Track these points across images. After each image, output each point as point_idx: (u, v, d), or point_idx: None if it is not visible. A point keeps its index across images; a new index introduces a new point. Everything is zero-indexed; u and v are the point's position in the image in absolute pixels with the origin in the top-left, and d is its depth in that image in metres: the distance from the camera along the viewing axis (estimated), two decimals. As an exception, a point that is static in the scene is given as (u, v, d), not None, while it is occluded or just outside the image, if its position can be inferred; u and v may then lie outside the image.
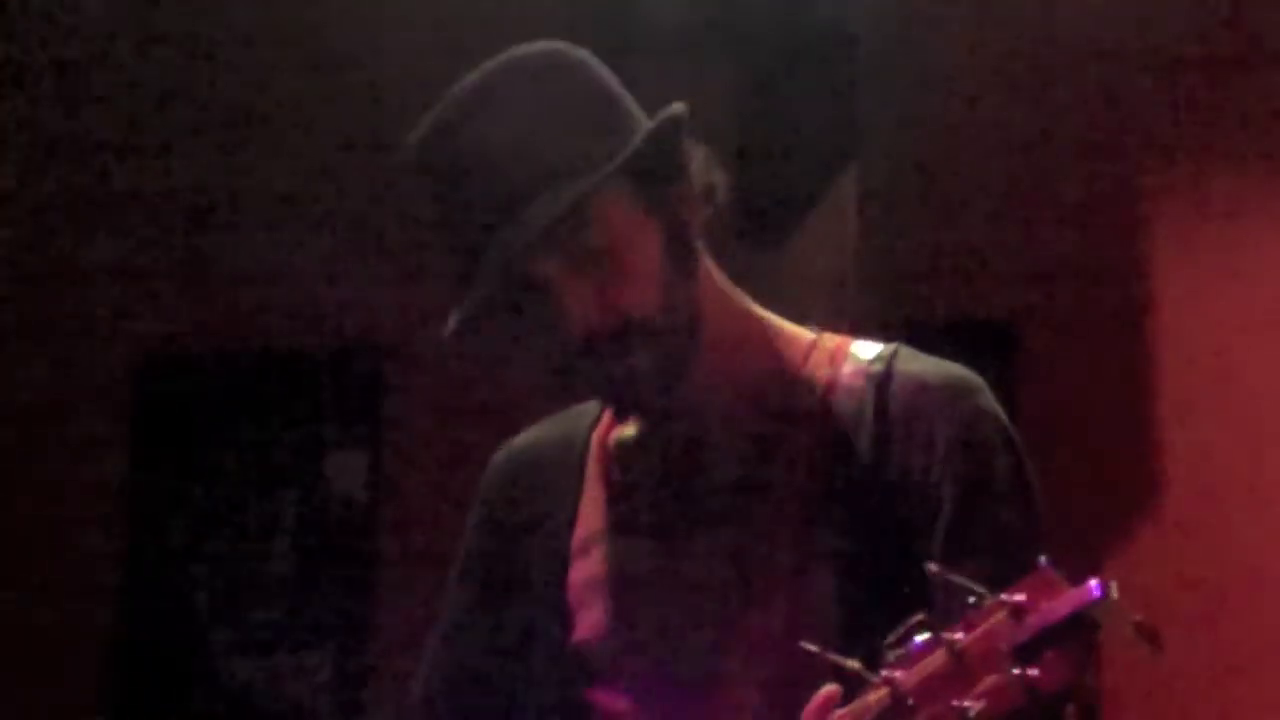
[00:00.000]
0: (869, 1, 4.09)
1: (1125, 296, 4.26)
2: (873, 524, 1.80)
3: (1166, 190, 4.31)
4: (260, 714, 4.80)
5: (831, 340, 1.92)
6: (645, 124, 1.86)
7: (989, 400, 1.86)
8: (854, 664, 1.49)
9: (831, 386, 1.88)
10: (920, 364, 1.87)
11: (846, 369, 1.88)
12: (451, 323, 1.84)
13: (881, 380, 1.85)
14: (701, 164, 1.89)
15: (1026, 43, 4.39)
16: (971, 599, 1.43)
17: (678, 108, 1.85)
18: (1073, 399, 4.17)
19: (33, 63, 5.07)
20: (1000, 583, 1.54)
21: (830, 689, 1.56)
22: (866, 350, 1.90)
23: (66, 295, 5.05)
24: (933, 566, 1.46)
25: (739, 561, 1.85)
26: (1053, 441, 4.32)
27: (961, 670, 1.41)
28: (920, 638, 1.46)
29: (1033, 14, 4.38)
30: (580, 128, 1.82)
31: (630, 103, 1.89)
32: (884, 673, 1.46)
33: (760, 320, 1.94)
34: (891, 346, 1.89)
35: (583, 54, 1.90)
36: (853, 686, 1.52)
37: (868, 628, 1.68)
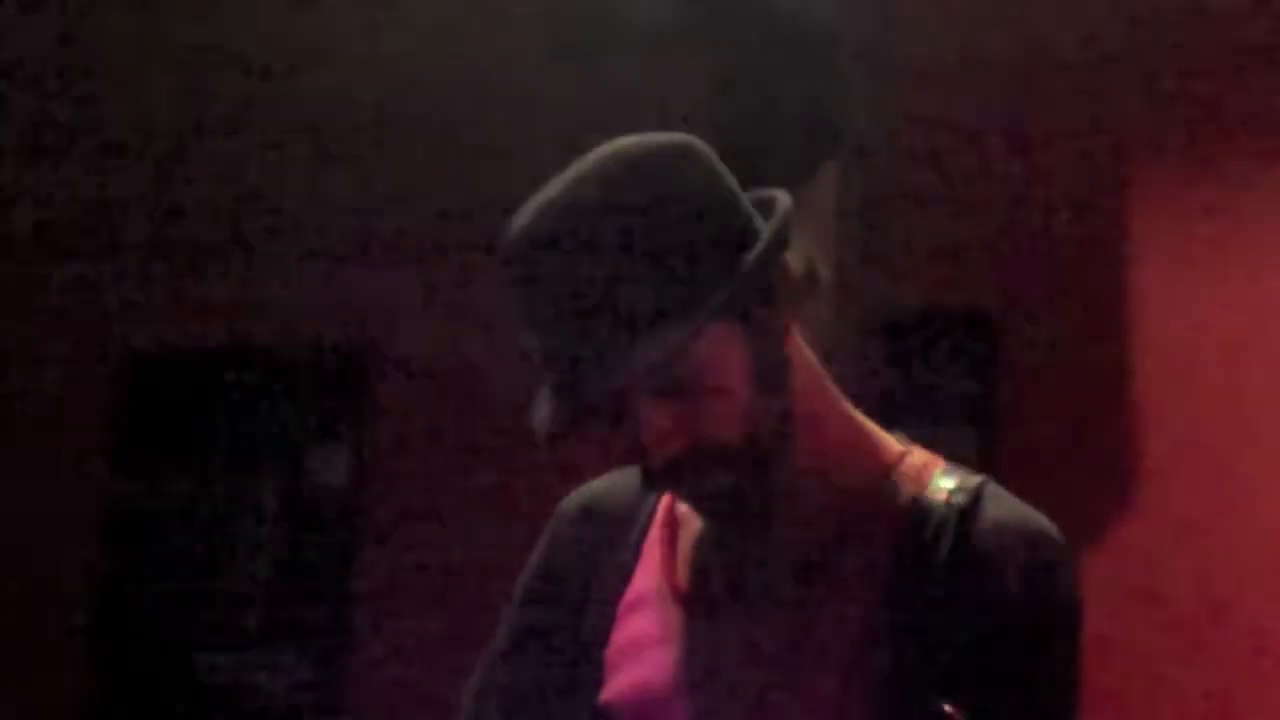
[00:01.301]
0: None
1: (1101, 285, 4.31)
2: (926, 641, 1.77)
3: (1142, 182, 4.36)
4: (245, 706, 4.84)
5: (920, 456, 1.89)
6: (756, 228, 1.78)
7: (1066, 556, 1.83)
8: None
9: (914, 504, 1.85)
10: (1006, 510, 1.84)
11: (930, 491, 1.85)
12: (544, 428, 1.77)
13: (965, 513, 1.82)
14: (801, 255, 1.86)
15: (1005, 39, 4.43)
16: None
17: (786, 208, 1.80)
18: (1049, 385, 4.22)
19: (30, 59, 5.07)
20: None
21: None
22: (951, 477, 1.86)
23: (51, 294, 5.08)
24: (947, 708, 1.49)
25: (787, 649, 1.83)
26: (1030, 426, 4.39)
27: None
28: None
29: (1012, 11, 4.42)
30: (690, 248, 1.73)
31: (739, 199, 1.80)
32: None
33: (851, 424, 1.91)
34: (978, 479, 1.85)
35: (696, 148, 1.80)
36: None
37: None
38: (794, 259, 1.80)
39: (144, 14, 4.97)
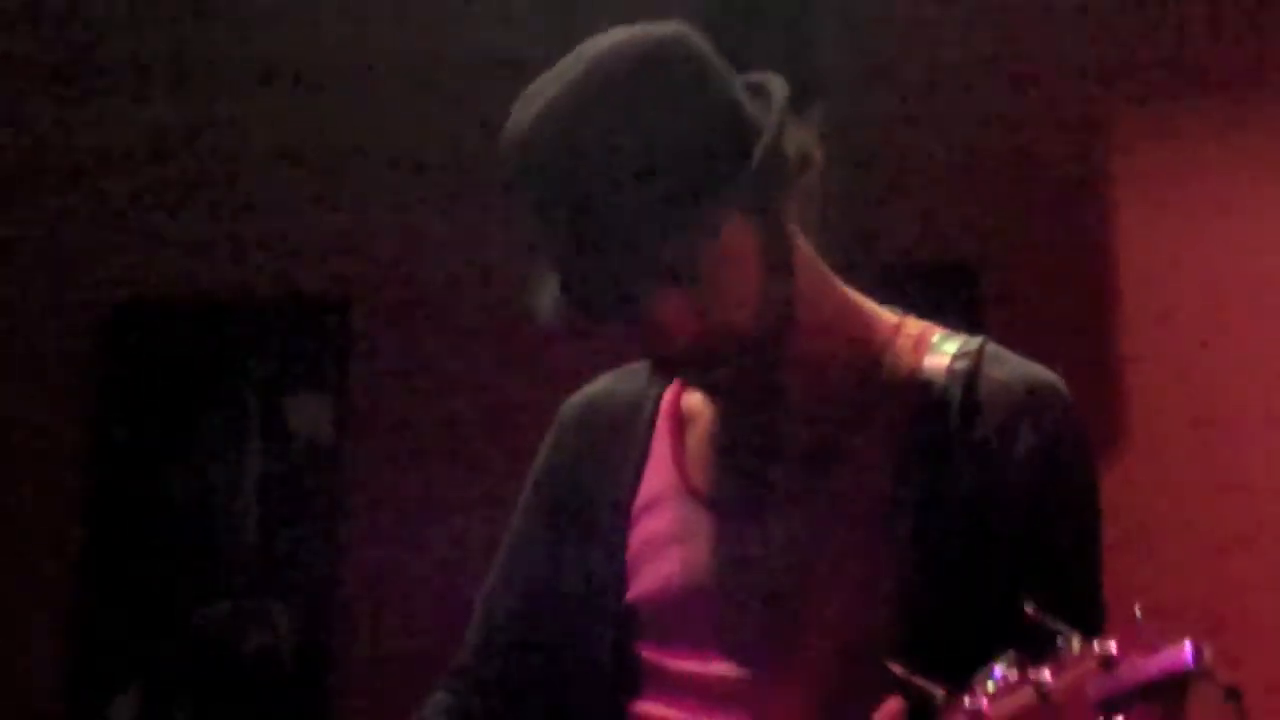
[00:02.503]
0: None
1: (1080, 239, 4.31)
2: (944, 514, 1.79)
3: (1119, 138, 4.35)
4: (228, 657, 4.83)
5: (915, 326, 1.91)
6: (755, 120, 1.78)
7: (1070, 411, 1.85)
8: (940, 691, 1.48)
9: (915, 374, 1.86)
10: (1007, 368, 1.85)
11: (930, 360, 1.87)
12: (550, 317, 1.80)
13: (968, 379, 1.84)
14: (795, 138, 1.82)
15: None
16: (1064, 640, 1.41)
17: (780, 92, 1.80)
18: (1031, 336, 4.19)
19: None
20: (1066, 598, 1.53)
21: (895, 702, 1.57)
22: (950, 342, 1.88)
23: (33, 247, 5.03)
24: (1029, 608, 1.43)
25: (808, 533, 1.85)
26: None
27: (1048, 712, 1.39)
28: (1005, 670, 1.44)
29: None
30: (698, 142, 1.75)
31: (736, 90, 1.80)
32: (968, 702, 1.45)
33: (850, 303, 1.92)
34: (977, 342, 1.87)
35: (690, 39, 1.80)
36: (930, 707, 1.51)
37: (930, 613, 1.74)
38: (790, 143, 1.80)
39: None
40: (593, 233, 1.73)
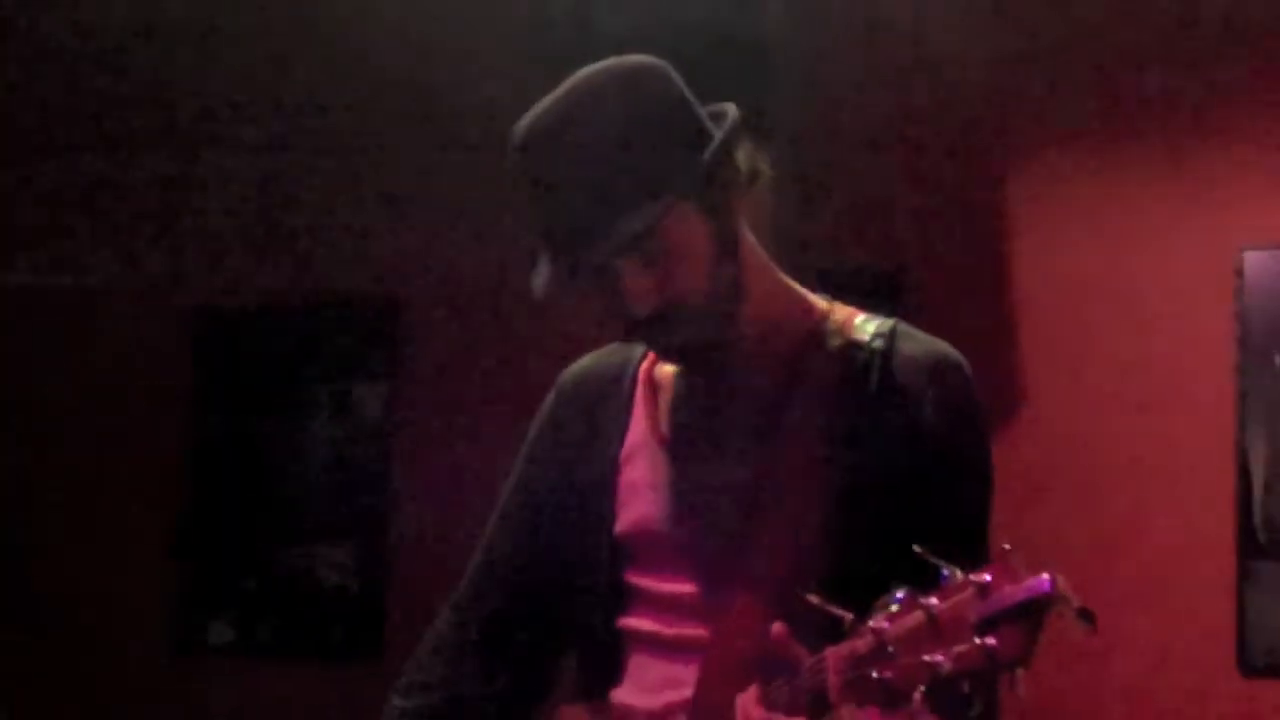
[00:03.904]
0: (774, 12, 4.02)
1: (993, 248, 4.21)
2: (864, 461, 1.79)
3: (1030, 160, 4.23)
4: (303, 589, 4.83)
5: (842, 309, 1.90)
6: (711, 131, 1.79)
7: (967, 380, 1.85)
8: (848, 615, 1.48)
9: (842, 347, 1.85)
10: (916, 343, 1.86)
11: (854, 336, 1.86)
12: (541, 288, 1.80)
13: (885, 352, 1.83)
14: (747, 154, 1.83)
15: (908, 36, 4.29)
16: (948, 573, 1.41)
17: (734, 115, 1.80)
18: (948, 330, 4.06)
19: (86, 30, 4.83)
20: (958, 537, 1.57)
21: (779, 626, 1.59)
22: (870, 323, 1.87)
23: (127, 257, 5.00)
24: (918, 548, 1.43)
25: (757, 474, 1.84)
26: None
27: (934, 632, 1.40)
28: (901, 597, 1.44)
29: (904, 13, 4.28)
30: (660, 144, 1.76)
31: (697, 109, 1.81)
32: (872, 623, 1.45)
33: (788, 288, 1.92)
34: (891, 322, 1.87)
35: (663, 68, 1.83)
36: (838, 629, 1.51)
37: (851, 534, 1.73)
38: (742, 157, 1.81)
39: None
40: (570, 215, 1.75)
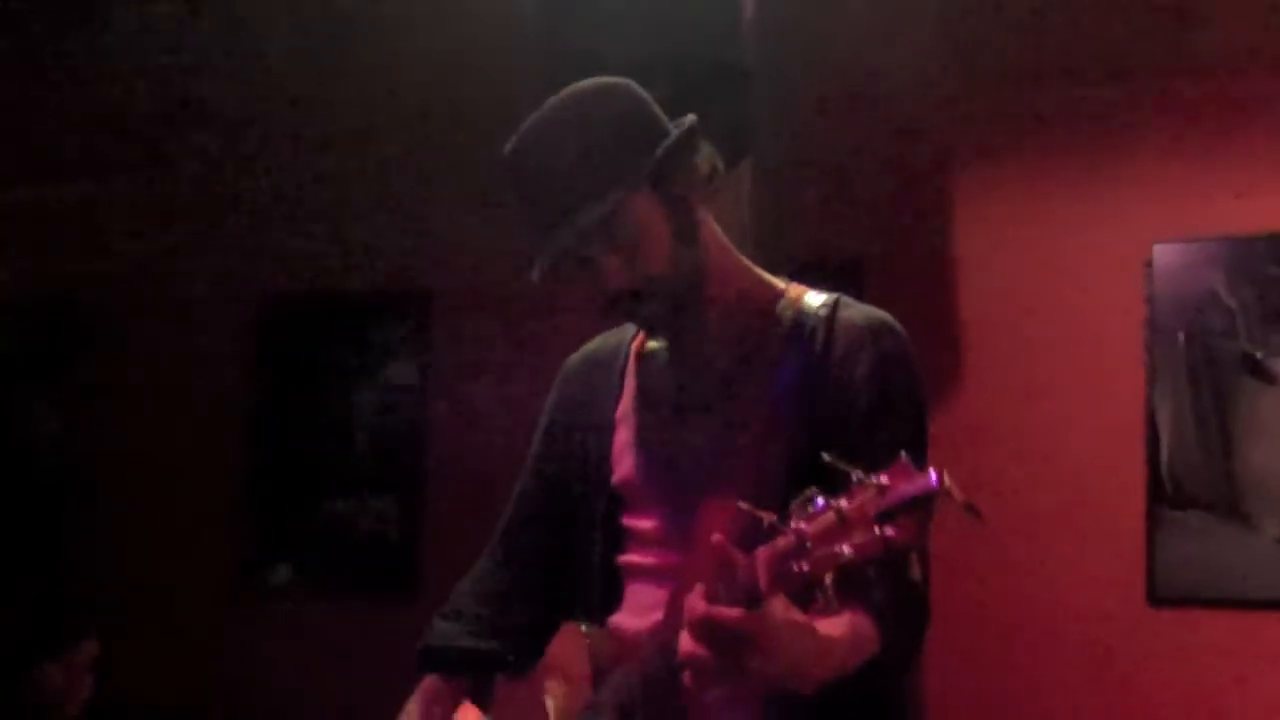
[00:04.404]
0: (753, 42, 3.93)
1: (941, 242, 4.19)
2: (816, 411, 1.82)
3: (974, 170, 4.20)
4: (351, 537, 4.85)
5: (796, 289, 1.94)
6: (669, 134, 1.83)
7: (900, 339, 1.87)
8: (772, 516, 1.48)
9: (794, 317, 1.89)
10: (854, 311, 1.89)
11: (804, 308, 1.90)
12: (535, 275, 1.85)
13: (829, 320, 1.87)
14: (706, 154, 1.86)
15: (860, 75, 4.27)
16: (855, 477, 1.42)
17: (689, 120, 1.85)
18: (901, 316, 3.87)
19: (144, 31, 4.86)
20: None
21: (716, 535, 1.58)
22: (817, 298, 1.92)
23: (213, 252, 5.01)
24: (827, 455, 1.43)
25: (727, 428, 1.87)
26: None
27: (843, 526, 1.41)
28: (815, 498, 1.45)
29: (856, 55, 4.27)
30: (619, 146, 1.80)
31: (657, 118, 1.85)
32: (793, 524, 1.46)
33: (747, 270, 1.95)
34: (834, 296, 1.91)
35: (625, 86, 1.86)
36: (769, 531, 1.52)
37: (798, 470, 1.71)
38: (701, 159, 1.85)
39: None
40: (545, 209, 1.82)
